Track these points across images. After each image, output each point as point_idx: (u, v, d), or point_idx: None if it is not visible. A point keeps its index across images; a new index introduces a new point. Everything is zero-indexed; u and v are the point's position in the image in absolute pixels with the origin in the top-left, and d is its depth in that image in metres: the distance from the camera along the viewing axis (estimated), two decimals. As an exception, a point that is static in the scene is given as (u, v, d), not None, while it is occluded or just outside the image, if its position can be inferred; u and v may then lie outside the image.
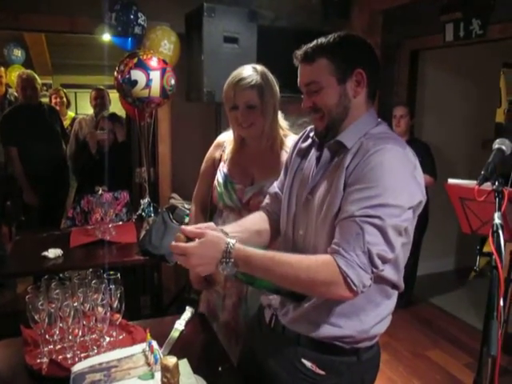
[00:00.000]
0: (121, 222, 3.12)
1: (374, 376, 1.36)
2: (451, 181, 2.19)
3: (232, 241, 1.15)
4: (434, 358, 3.16)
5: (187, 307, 1.80)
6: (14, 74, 4.68)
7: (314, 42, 1.22)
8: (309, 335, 1.26)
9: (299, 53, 1.24)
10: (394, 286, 1.26)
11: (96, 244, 2.70)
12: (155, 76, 2.86)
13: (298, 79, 1.28)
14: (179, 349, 1.52)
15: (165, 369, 0.80)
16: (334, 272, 1.06)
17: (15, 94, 4.37)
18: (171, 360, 0.81)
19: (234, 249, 1.13)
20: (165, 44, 3.05)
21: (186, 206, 2.82)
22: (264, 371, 1.38)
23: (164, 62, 2.94)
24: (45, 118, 3.99)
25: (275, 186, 1.52)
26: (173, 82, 2.98)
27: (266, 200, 1.55)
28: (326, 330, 1.23)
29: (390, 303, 1.29)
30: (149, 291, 3.52)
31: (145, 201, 3.25)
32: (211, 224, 1.29)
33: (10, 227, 4.29)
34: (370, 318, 1.24)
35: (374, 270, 1.08)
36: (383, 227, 1.06)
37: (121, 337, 1.55)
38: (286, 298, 1.31)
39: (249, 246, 1.20)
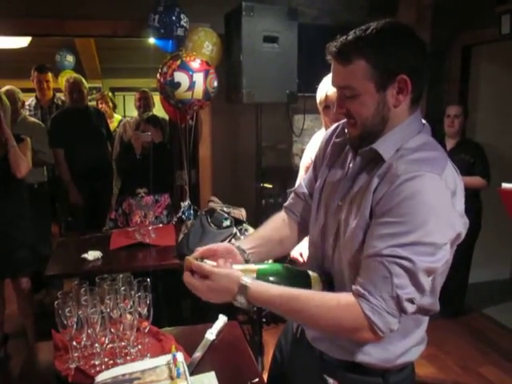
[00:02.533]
0: (161, 225, 3.12)
1: None
2: (506, 185, 2.03)
3: (245, 282, 1.05)
4: (485, 375, 2.94)
5: (220, 315, 1.76)
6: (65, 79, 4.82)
7: (352, 35, 1.03)
8: (329, 355, 1.18)
9: (332, 48, 1.06)
10: (427, 312, 1.15)
11: (135, 246, 2.71)
12: (198, 78, 2.84)
13: (332, 78, 1.12)
14: (209, 360, 1.47)
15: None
16: (358, 317, 0.97)
17: (62, 98, 4.49)
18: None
19: (248, 294, 1.04)
20: (207, 45, 3.04)
21: (225, 209, 2.79)
22: (288, 380, 1.34)
23: (207, 63, 2.92)
24: (91, 121, 4.07)
25: (303, 185, 1.40)
26: (215, 83, 2.95)
27: (290, 199, 1.44)
28: (348, 355, 1.14)
29: (420, 332, 1.16)
30: (189, 294, 3.50)
31: (185, 203, 3.25)
32: (228, 246, 1.23)
33: (59, 227, 4.43)
34: (397, 348, 1.12)
35: (403, 314, 0.98)
36: (413, 271, 0.94)
37: (150, 345, 1.51)
38: None
39: (265, 267, 1.16)
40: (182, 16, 2.89)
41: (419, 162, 0.99)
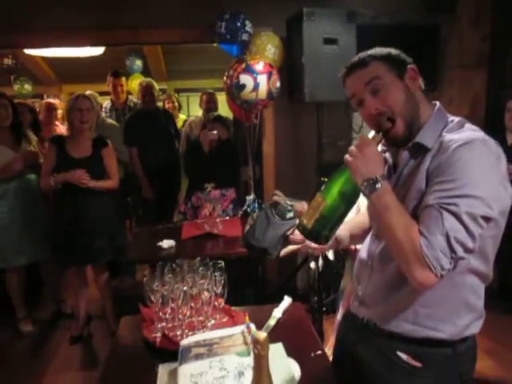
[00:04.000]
0: (227, 217, 3.33)
1: (472, 369, 1.35)
2: None
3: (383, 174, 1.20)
4: (547, 370, 2.94)
5: (285, 296, 1.92)
6: (135, 82, 5.16)
7: (364, 53, 1.26)
8: (401, 334, 1.29)
9: (349, 65, 1.26)
10: (484, 279, 1.25)
11: (204, 236, 2.94)
12: (262, 79, 3.03)
13: (351, 89, 1.28)
14: (276, 334, 1.64)
15: (256, 341, 0.91)
16: (415, 247, 1.09)
17: (134, 100, 4.82)
18: (262, 334, 0.92)
19: (386, 182, 1.18)
20: (269, 48, 3.21)
21: (289, 202, 2.95)
22: (358, 363, 1.43)
23: (270, 65, 3.10)
24: (160, 121, 4.36)
25: None
26: (278, 84, 3.12)
27: None
28: (419, 331, 1.26)
29: (480, 304, 1.28)
30: (253, 284, 3.70)
31: (250, 197, 3.45)
32: None
33: (130, 220, 4.77)
34: (463, 321, 1.24)
35: (453, 255, 1.08)
36: (459, 213, 1.06)
37: (224, 320, 1.71)
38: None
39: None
40: (247, 22, 3.08)
41: (465, 134, 1.14)
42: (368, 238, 1.45)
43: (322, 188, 1.28)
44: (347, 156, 1.22)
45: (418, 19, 3.29)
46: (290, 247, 2.92)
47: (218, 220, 3.07)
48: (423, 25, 3.35)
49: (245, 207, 3.38)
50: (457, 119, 1.24)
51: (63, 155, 3.07)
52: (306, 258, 3.34)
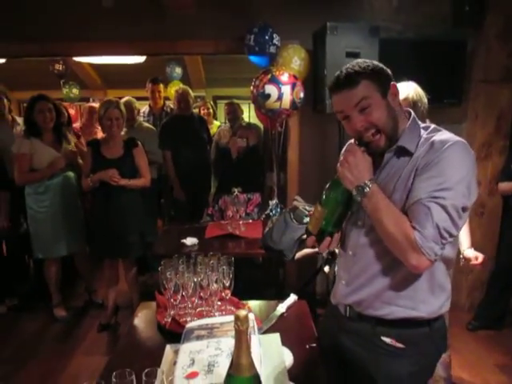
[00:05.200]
0: (251, 220, 3.49)
1: (445, 345, 1.51)
2: None
3: (374, 178, 1.35)
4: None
5: (291, 294, 2.05)
6: (173, 89, 5.41)
7: (351, 69, 1.32)
8: (384, 318, 1.42)
9: (337, 81, 1.34)
10: (450, 264, 1.42)
11: (227, 237, 3.10)
12: (286, 90, 3.18)
13: (340, 106, 1.36)
14: (276, 326, 1.78)
15: (236, 318, 1.05)
16: (409, 238, 1.24)
17: (171, 106, 5.06)
18: (242, 312, 1.06)
19: (374, 184, 1.32)
20: (295, 60, 3.36)
21: (307, 207, 3.07)
22: (343, 353, 1.56)
23: (294, 77, 3.25)
24: (194, 127, 4.56)
25: None
26: (302, 95, 3.26)
27: None
28: (400, 313, 1.40)
29: (449, 285, 1.45)
30: (273, 286, 3.83)
31: (273, 202, 3.60)
32: None
33: (163, 220, 5.00)
34: (439, 300, 1.40)
35: (443, 241, 1.24)
36: (445, 205, 1.22)
37: (230, 311, 1.85)
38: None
39: None
40: (275, 35, 3.24)
41: (450, 135, 1.31)
42: (348, 229, 1.53)
43: (322, 197, 1.44)
44: (338, 165, 1.37)
45: (444, 33, 3.35)
46: (305, 250, 3.06)
47: (241, 222, 3.23)
48: (449, 39, 3.41)
49: (267, 211, 3.52)
50: (432, 125, 1.41)
51: (98, 157, 3.32)
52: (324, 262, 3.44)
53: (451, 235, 1.25)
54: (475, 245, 2.44)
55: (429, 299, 1.39)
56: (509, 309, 3.61)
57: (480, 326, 3.53)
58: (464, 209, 1.26)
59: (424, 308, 1.39)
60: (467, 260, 2.25)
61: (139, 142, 3.46)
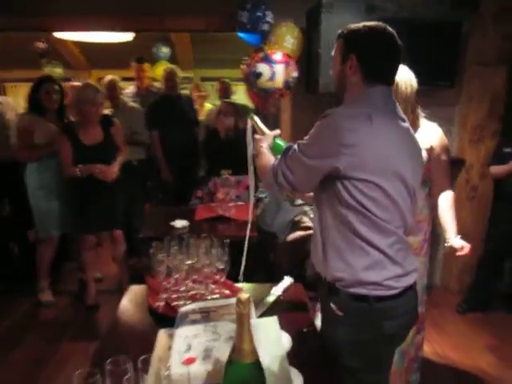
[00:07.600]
0: (240, 203, 3.42)
1: (393, 326, 1.48)
2: None
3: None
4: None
5: (286, 277, 2.01)
6: (160, 69, 5.27)
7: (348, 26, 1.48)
8: (324, 276, 1.51)
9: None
10: (365, 239, 1.42)
11: (217, 219, 3.04)
12: (279, 69, 3.09)
13: None
14: (274, 310, 1.74)
15: (239, 301, 1.00)
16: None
17: (157, 86, 4.95)
18: (245, 295, 1.00)
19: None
20: (288, 39, 3.26)
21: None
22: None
23: (287, 55, 3.16)
24: (182, 107, 4.47)
25: None
26: (295, 74, 3.18)
27: None
28: (329, 271, 1.48)
29: (375, 254, 1.42)
30: (263, 269, 3.78)
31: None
32: None
33: (150, 203, 4.91)
34: (358, 263, 1.42)
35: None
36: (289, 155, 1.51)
37: (225, 294, 1.80)
38: None
39: None
40: (268, 12, 3.14)
41: (338, 110, 1.43)
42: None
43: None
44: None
45: (440, 15, 3.28)
46: (298, 233, 3.02)
47: (230, 204, 3.16)
48: (445, 20, 3.34)
49: (257, 193, 3.46)
50: (358, 102, 1.48)
51: (77, 144, 3.21)
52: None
53: (284, 177, 1.50)
54: (465, 229, 2.40)
55: (345, 257, 1.43)
56: (497, 291, 3.63)
57: (469, 308, 3.55)
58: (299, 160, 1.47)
59: (341, 267, 1.44)
60: (453, 250, 2.20)
61: (115, 119, 3.41)
